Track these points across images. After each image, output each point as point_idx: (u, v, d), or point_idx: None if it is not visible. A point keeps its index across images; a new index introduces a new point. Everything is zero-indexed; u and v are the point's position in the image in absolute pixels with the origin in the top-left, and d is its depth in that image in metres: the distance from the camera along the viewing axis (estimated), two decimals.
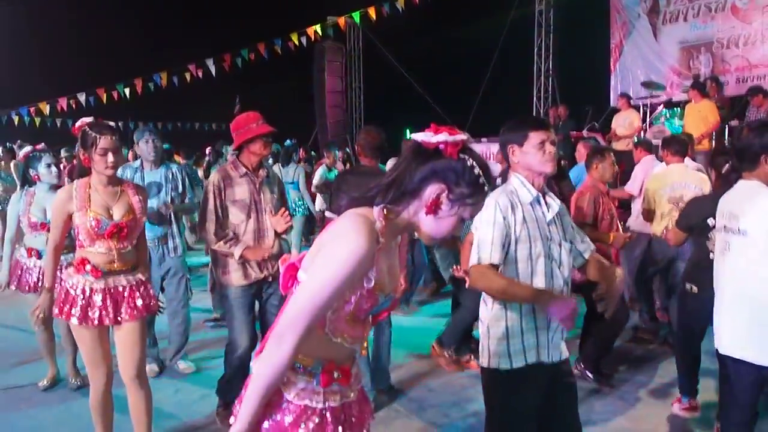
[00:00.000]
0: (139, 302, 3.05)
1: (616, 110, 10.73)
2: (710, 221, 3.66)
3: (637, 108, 10.68)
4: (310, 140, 17.35)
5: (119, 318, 3.00)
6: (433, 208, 1.53)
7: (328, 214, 4.99)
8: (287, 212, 3.58)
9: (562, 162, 6.34)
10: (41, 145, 4.35)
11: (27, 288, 4.19)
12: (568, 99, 12.70)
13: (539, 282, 2.35)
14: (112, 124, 3.04)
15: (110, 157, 2.90)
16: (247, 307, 3.66)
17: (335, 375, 1.61)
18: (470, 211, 1.57)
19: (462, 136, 1.55)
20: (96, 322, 2.94)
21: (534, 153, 2.38)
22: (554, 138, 2.46)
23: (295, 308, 1.47)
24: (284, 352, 1.47)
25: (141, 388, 3.14)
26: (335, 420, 1.62)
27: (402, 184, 1.55)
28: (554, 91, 14.68)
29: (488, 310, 2.42)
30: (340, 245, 1.46)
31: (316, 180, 8.55)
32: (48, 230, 3.96)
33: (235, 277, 3.60)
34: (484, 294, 2.46)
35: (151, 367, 4.55)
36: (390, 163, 5.57)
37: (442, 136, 1.52)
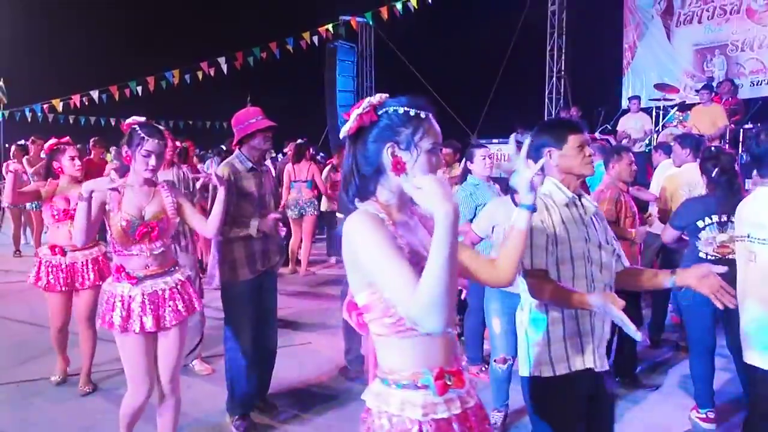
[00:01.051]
0: (180, 305, 3.01)
1: (626, 113, 10.68)
2: (699, 223, 3.73)
3: (649, 110, 10.63)
4: (320, 139, 17.38)
5: (162, 324, 2.96)
6: (398, 166, 1.56)
7: (338, 215, 5.08)
8: (278, 215, 3.72)
9: None
10: (66, 138, 4.33)
11: (57, 287, 4.10)
12: (581, 100, 12.65)
13: (580, 285, 2.28)
14: (161, 128, 3.03)
15: (152, 160, 2.92)
16: (252, 302, 3.70)
17: (448, 380, 1.57)
18: (428, 141, 1.57)
19: (366, 101, 1.57)
20: (137, 330, 2.90)
21: (574, 156, 2.32)
22: (590, 140, 2.40)
23: (394, 288, 1.42)
24: (440, 311, 1.34)
25: (173, 394, 3.11)
26: (464, 430, 1.59)
27: (360, 174, 1.60)
28: (566, 93, 14.63)
29: (527, 315, 2.34)
30: (356, 234, 1.49)
31: (326, 178, 8.56)
32: (71, 218, 3.95)
33: (243, 272, 3.62)
34: (523, 299, 2.38)
35: (203, 367, 4.65)
36: None
37: (353, 114, 1.57)
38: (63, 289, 4.12)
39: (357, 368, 4.57)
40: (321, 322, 5.89)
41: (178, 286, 3.04)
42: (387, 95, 1.61)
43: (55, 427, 3.79)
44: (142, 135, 2.90)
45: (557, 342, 2.26)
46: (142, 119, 3.00)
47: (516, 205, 1.86)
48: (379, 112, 1.57)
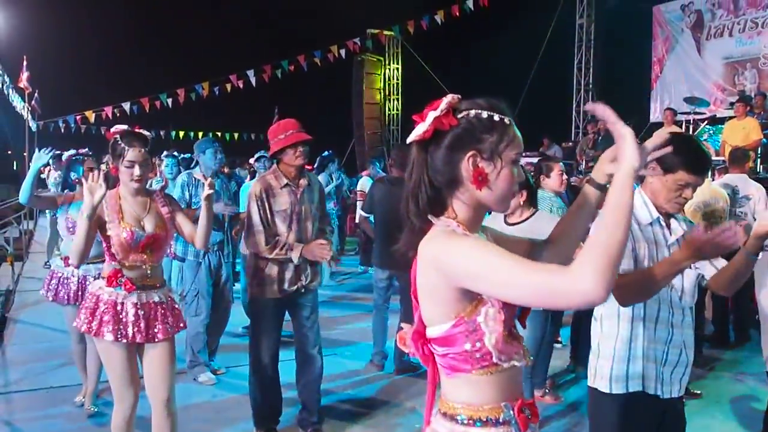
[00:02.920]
0: (170, 320, 2.93)
1: (655, 126, 10.56)
2: None
3: (679, 124, 10.50)
4: (347, 151, 17.48)
5: (149, 337, 2.86)
6: (480, 178, 1.36)
7: (360, 212, 5.32)
8: (325, 243, 3.54)
9: None
10: (84, 150, 4.33)
11: (65, 300, 3.99)
12: None
13: (656, 309, 2.17)
14: (146, 134, 2.89)
15: (136, 170, 2.82)
16: (276, 321, 3.65)
17: (527, 413, 1.43)
18: (512, 151, 1.38)
19: (444, 101, 1.37)
20: (129, 338, 2.80)
21: (670, 189, 2.14)
22: (700, 185, 2.20)
23: (510, 282, 1.23)
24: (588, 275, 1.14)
25: (169, 415, 2.95)
26: None
27: (432, 185, 1.40)
28: None
29: (599, 327, 2.28)
30: (445, 255, 1.31)
31: (360, 188, 8.96)
32: None
33: (269, 290, 3.57)
34: (596, 312, 2.30)
35: (208, 376, 4.66)
36: None
37: (429, 116, 1.36)
38: (72, 303, 3.97)
39: (379, 362, 4.99)
40: (346, 333, 5.90)
41: (169, 302, 2.96)
42: (459, 97, 1.41)
43: None
44: (123, 146, 2.79)
45: (620, 362, 2.19)
46: (124, 127, 2.87)
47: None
48: (459, 116, 1.37)
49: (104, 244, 2.87)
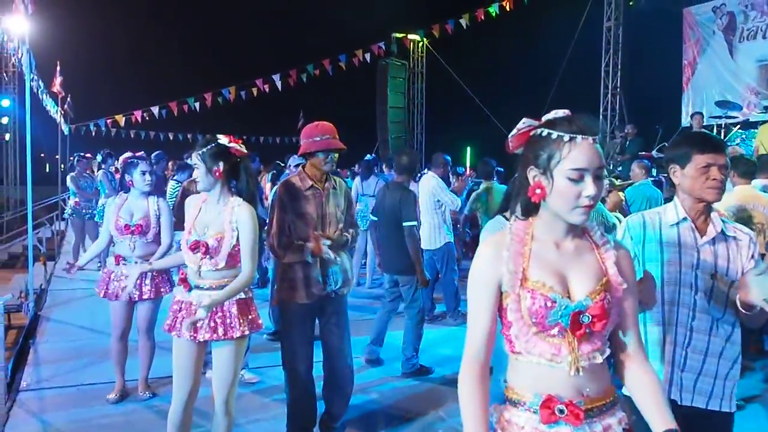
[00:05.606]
0: (239, 320, 2.93)
1: (686, 130, 10.39)
2: None
3: (710, 128, 10.33)
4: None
5: (221, 333, 2.89)
6: (534, 190, 1.51)
7: (370, 217, 5.56)
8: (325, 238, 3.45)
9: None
10: (140, 153, 4.39)
11: (114, 296, 4.16)
12: (638, 118, 12.41)
13: (674, 312, 2.10)
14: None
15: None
16: (307, 325, 3.56)
17: (559, 411, 1.47)
18: (565, 167, 1.46)
19: (523, 123, 1.55)
20: (198, 337, 2.88)
21: (696, 177, 2.11)
22: (726, 162, 2.13)
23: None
24: None
25: (226, 415, 3.02)
26: None
27: (521, 192, 1.57)
28: (621, 109, 14.36)
29: None
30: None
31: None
32: (132, 233, 4.11)
33: (299, 295, 3.48)
34: None
35: (250, 375, 4.69)
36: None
37: (515, 130, 1.56)
38: (120, 300, 4.16)
39: (369, 354, 5.10)
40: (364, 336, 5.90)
41: (241, 303, 2.96)
42: (561, 114, 1.54)
43: (112, 431, 3.89)
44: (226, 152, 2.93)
45: None
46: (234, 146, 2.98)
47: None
48: (532, 133, 1.54)
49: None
